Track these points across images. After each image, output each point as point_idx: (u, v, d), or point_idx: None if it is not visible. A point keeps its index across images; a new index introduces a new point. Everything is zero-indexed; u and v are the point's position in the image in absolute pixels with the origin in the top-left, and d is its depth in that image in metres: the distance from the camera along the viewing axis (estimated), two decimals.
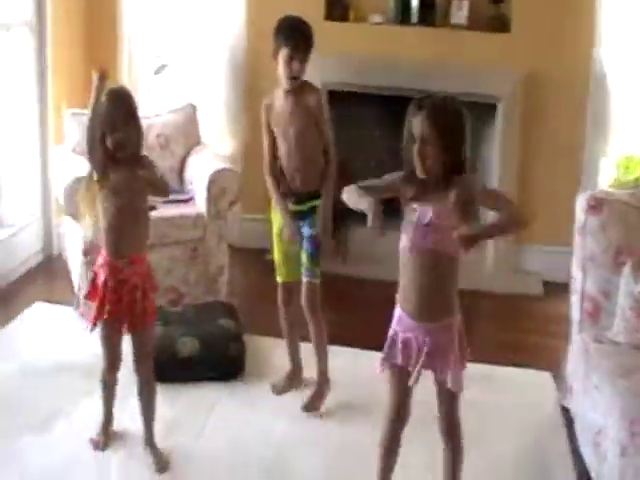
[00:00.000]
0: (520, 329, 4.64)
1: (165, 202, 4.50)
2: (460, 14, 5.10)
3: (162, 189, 3.22)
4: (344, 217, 5.01)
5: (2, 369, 3.87)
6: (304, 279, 3.66)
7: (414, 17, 5.15)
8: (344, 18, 5.24)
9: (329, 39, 5.02)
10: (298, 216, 3.64)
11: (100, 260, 3.18)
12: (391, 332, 2.82)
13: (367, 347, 3.96)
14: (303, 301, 3.67)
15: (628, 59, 4.91)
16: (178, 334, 3.97)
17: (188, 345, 3.93)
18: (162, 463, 3.30)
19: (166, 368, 3.77)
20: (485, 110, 5.20)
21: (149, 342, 3.29)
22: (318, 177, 3.60)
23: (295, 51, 3.46)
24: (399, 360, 2.78)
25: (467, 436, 2.94)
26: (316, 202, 3.60)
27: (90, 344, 3.48)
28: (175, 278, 4.59)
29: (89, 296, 3.20)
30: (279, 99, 3.59)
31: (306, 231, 3.63)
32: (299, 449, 3.44)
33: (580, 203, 3.68)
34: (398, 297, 2.79)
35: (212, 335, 4.00)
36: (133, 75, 5.36)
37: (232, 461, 3.36)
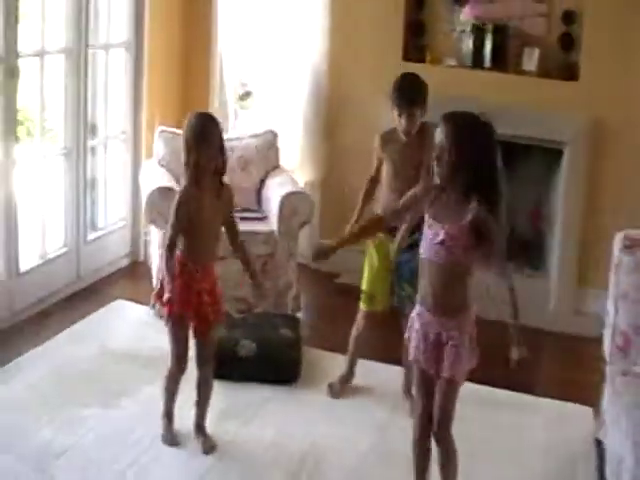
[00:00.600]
0: (574, 367, 4.89)
1: (242, 218, 5.02)
2: (531, 61, 5.46)
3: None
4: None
5: (83, 350, 4.49)
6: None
7: (487, 62, 5.52)
8: (421, 60, 5.67)
9: None
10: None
11: (176, 263, 3.58)
12: (410, 326, 3.20)
13: None
14: None
15: None
16: (239, 337, 4.44)
17: (246, 347, 4.39)
18: (209, 446, 3.75)
19: (225, 366, 4.26)
20: (552, 155, 5.53)
21: (211, 345, 3.75)
22: None
23: (401, 110, 3.96)
24: (424, 363, 3.16)
25: (505, 455, 3.29)
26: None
27: (157, 340, 3.97)
28: (245, 290, 4.96)
29: (159, 296, 3.62)
30: (399, 141, 4.05)
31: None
32: (335, 449, 3.84)
33: (616, 242, 4.00)
34: (418, 294, 3.17)
35: (270, 340, 4.45)
36: (223, 99, 5.91)
37: (271, 452, 3.79)
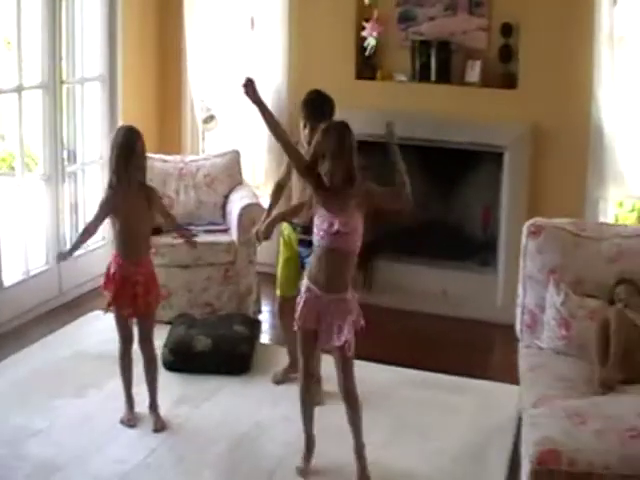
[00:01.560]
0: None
1: (206, 231, 5.73)
2: (473, 73, 6.08)
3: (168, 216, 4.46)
4: (369, 251, 6.12)
5: (59, 353, 5.21)
6: None
7: (433, 75, 6.16)
8: (372, 77, 6.32)
9: (359, 95, 6.25)
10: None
11: (113, 260, 4.34)
12: (300, 300, 3.83)
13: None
14: None
15: (622, 113, 5.75)
16: (197, 334, 5.10)
17: (202, 342, 5.04)
18: (160, 424, 4.40)
19: (183, 360, 4.99)
20: (493, 159, 6.13)
21: (150, 327, 4.42)
22: None
23: (306, 120, 4.55)
24: (308, 322, 3.80)
25: (431, 429, 4.16)
26: None
27: None
28: (210, 295, 5.71)
29: (105, 286, 4.35)
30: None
31: None
32: (274, 427, 4.47)
33: (524, 230, 4.58)
34: (309, 273, 3.82)
35: (224, 336, 5.10)
36: (195, 123, 6.64)
37: (217, 430, 4.43)
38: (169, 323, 5.35)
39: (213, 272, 5.70)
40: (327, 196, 3.74)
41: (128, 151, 4.16)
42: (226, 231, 5.89)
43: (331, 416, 4.14)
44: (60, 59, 5.87)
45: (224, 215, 6.07)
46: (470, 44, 6.15)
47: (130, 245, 4.28)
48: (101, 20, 6.21)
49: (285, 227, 4.77)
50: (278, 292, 4.89)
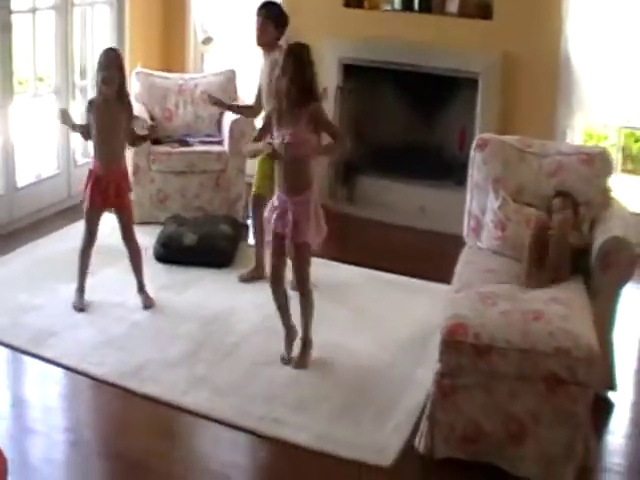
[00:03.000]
0: None
1: (201, 142, 6.41)
2: (452, 3, 6.65)
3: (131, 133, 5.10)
4: (353, 168, 6.79)
5: (67, 245, 5.91)
6: None
7: (416, 6, 6.75)
8: (360, 6, 6.92)
9: (347, 23, 6.88)
10: None
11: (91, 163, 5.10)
12: (269, 207, 4.49)
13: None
14: None
15: (590, 42, 6.29)
16: (185, 230, 5.82)
17: (189, 237, 5.76)
18: (149, 302, 5.16)
19: (172, 253, 5.73)
20: (469, 84, 6.71)
21: (128, 220, 5.12)
22: None
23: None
24: (276, 226, 4.46)
25: (382, 322, 4.92)
26: None
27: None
28: (203, 200, 6.40)
29: (85, 185, 5.09)
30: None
31: None
32: (245, 310, 5.19)
33: (473, 144, 5.17)
34: (276, 182, 4.48)
35: (209, 233, 5.80)
36: (197, 44, 7.35)
37: (194, 310, 5.18)
38: (163, 224, 6.05)
39: (205, 179, 6.38)
40: (281, 115, 4.38)
41: (100, 67, 4.89)
42: (220, 142, 6.56)
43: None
44: None
45: (219, 129, 6.73)
46: None
47: (102, 150, 4.99)
48: None
49: None
50: (253, 190, 5.50)
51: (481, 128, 6.58)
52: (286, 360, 4.64)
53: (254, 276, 5.55)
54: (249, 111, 5.73)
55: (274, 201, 4.52)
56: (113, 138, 4.99)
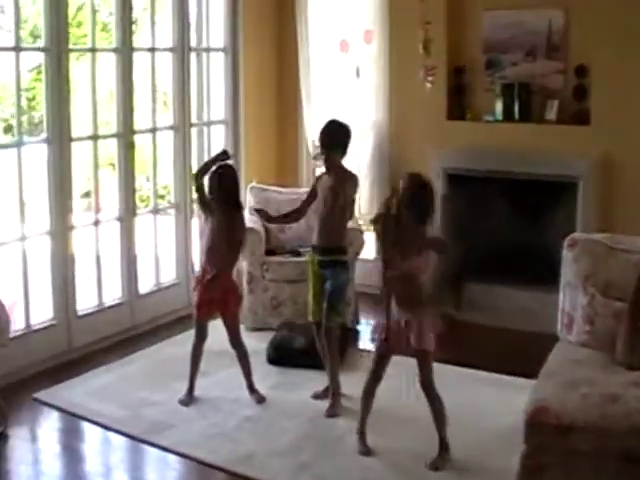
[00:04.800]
0: None
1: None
2: (551, 111, 7.29)
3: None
4: (459, 274, 7.35)
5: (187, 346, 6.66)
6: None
7: (516, 115, 7.42)
8: (462, 117, 7.64)
9: (450, 134, 7.60)
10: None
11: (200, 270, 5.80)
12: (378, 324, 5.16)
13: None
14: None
15: None
16: (295, 335, 6.50)
17: (299, 341, 6.41)
18: (259, 399, 5.82)
19: (282, 355, 6.44)
20: (570, 188, 7.27)
21: (234, 328, 5.76)
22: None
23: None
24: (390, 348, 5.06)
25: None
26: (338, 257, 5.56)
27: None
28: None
29: (194, 288, 5.83)
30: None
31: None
32: (348, 405, 5.74)
33: (565, 243, 5.64)
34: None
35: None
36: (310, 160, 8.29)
37: (301, 409, 5.73)
38: (276, 330, 6.74)
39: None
40: (399, 244, 4.85)
41: (215, 182, 5.55)
42: None
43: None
44: (189, 105, 7.53)
45: None
46: (548, 85, 7.39)
47: (210, 258, 5.63)
48: (225, 72, 7.91)
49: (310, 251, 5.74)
50: (310, 316, 5.78)
51: (583, 230, 6.97)
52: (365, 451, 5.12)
53: (326, 394, 5.81)
54: (293, 216, 5.92)
55: (386, 319, 5.06)
56: (218, 246, 5.56)
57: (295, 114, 8.36)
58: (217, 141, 7.87)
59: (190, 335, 6.35)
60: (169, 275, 7.53)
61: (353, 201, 5.63)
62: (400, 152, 7.88)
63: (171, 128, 7.40)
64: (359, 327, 7.24)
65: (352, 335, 6.87)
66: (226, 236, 5.54)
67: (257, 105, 8.16)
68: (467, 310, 7.55)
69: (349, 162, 7.80)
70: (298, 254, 7.21)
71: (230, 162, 5.80)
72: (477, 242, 7.63)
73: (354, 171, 5.83)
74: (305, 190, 7.45)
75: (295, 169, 8.43)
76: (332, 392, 5.68)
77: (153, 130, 7.22)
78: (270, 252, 7.18)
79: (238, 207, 5.64)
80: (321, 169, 8.09)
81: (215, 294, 5.61)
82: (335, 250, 5.55)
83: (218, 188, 5.53)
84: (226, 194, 5.52)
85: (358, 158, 8.08)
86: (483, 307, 7.50)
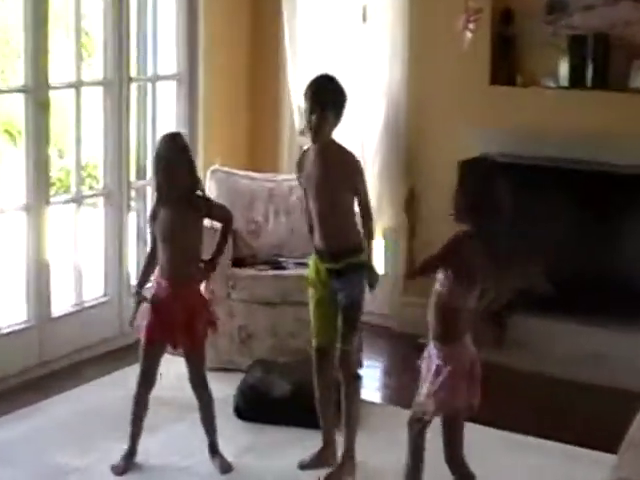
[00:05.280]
0: None
1: (297, 264, 6.98)
2: (638, 76, 7.12)
3: (221, 216, 5.60)
4: (504, 303, 7.20)
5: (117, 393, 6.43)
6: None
7: (588, 80, 7.28)
8: (511, 82, 7.48)
9: (494, 106, 7.45)
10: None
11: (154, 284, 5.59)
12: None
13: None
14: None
15: None
16: (275, 379, 6.29)
17: (281, 388, 6.23)
18: (226, 466, 5.62)
19: (256, 407, 6.23)
20: None
21: (199, 366, 5.56)
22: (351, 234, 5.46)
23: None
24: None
25: None
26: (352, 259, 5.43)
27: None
28: (300, 340, 6.72)
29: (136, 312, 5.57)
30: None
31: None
32: None
33: None
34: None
35: (306, 383, 6.01)
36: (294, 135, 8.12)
37: None
38: (246, 371, 6.55)
39: (304, 312, 6.64)
40: None
41: (160, 160, 5.36)
42: None
43: None
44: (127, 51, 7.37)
45: None
46: (635, 38, 7.22)
47: (170, 266, 5.45)
48: (178, 7, 7.78)
49: (311, 258, 5.66)
50: (313, 341, 5.72)
51: None
52: None
53: (320, 462, 5.72)
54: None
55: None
56: (184, 253, 5.47)
57: (275, 70, 8.21)
58: (166, 104, 7.74)
59: (126, 376, 6.38)
60: (95, 290, 7.41)
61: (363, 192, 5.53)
62: (422, 129, 7.79)
63: (101, 84, 7.29)
64: (361, 371, 7.01)
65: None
66: (186, 235, 5.47)
67: (223, 55, 8.02)
68: (511, 350, 7.46)
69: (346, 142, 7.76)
70: (278, 266, 7.10)
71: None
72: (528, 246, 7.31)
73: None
74: (287, 177, 7.47)
75: (274, 146, 8.31)
76: (344, 451, 5.57)
77: (76, 85, 7.11)
78: (238, 262, 7.05)
79: (191, 199, 5.48)
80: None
81: (173, 318, 5.47)
82: (348, 252, 5.46)
83: (157, 170, 5.43)
84: (171, 179, 5.38)
85: (362, 137, 7.97)
86: (534, 348, 7.42)
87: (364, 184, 5.50)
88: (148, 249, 5.70)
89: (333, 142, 5.47)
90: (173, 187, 5.39)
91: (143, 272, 5.67)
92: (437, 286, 4.79)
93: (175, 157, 5.38)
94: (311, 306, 5.68)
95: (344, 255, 5.44)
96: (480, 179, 4.84)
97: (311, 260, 5.64)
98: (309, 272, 5.66)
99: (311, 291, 5.66)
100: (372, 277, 5.45)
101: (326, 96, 5.37)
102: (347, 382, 5.58)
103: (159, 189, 5.49)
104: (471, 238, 4.70)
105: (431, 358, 4.86)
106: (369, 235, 5.47)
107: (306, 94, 5.40)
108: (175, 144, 5.44)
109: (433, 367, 4.83)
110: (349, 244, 5.47)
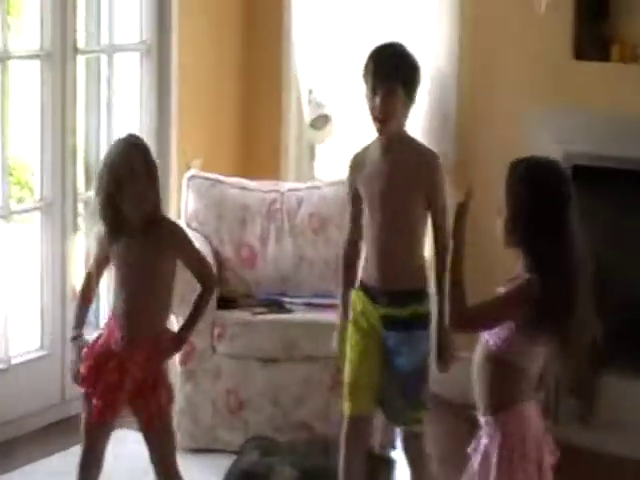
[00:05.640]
0: None
1: (306, 304, 6.57)
2: None
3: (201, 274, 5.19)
4: (592, 357, 6.82)
5: None
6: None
7: None
8: (604, 57, 7.07)
9: (579, 88, 7.12)
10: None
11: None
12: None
13: None
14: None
15: None
16: (276, 462, 5.91)
17: (285, 475, 5.84)
18: None
19: None
20: None
21: (164, 448, 5.18)
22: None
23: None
24: None
25: None
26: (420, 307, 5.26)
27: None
28: (309, 411, 6.49)
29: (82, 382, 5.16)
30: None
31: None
32: None
33: None
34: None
35: (318, 469, 5.85)
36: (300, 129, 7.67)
37: None
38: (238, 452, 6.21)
39: (315, 372, 6.46)
40: None
41: (112, 173, 4.95)
42: (334, 307, 6.61)
43: None
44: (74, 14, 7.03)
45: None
46: None
47: (126, 311, 5.10)
48: None
49: (356, 294, 5.43)
50: (346, 407, 5.44)
51: None
52: None
53: None
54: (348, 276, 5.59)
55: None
56: (145, 295, 5.11)
57: (277, 40, 7.81)
58: (125, 84, 7.40)
59: (69, 458, 5.90)
60: (30, 342, 7.09)
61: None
62: (478, 117, 7.45)
63: (37, 56, 6.98)
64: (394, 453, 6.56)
65: (384, 468, 6.27)
66: (149, 270, 5.10)
67: (204, 19, 7.67)
68: (602, 428, 7.07)
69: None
70: (281, 308, 6.76)
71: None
72: (622, 290, 7.13)
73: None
74: (293, 187, 7.15)
75: (274, 144, 7.93)
76: None
77: (1, 59, 6.76)
78: (227, 303, 6.77)
79: (156, 221, 5.12)
80: (322, 144, 7.66)
81: (124, 377, 5.09)
82: (415, 295, 5.28)
83: (112, 188, 4.98)
84: (137, 201, 4.98)
85: None
86: (632, 422, 6.99)
87: (443, 197, 5.23)
88: (84, 275, 5.39)
89: (406, 135, 5.36)
90: (137, 213, 5.01)
91: (79, 307, 5.33)
92: (485, 335, 4.44)
93: (141, 171, 5.00)
94: (350, 355, 5.38)
95: (409, 298, 5.25)
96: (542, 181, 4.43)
97: (355, 294, 5.39)
98: (354, 305, 5.39)
99: (353, 334, 5.38)
100: (443, 340, 5.28)
101: (396, 71, 5.19)
102: (418, 474, 5.43)
103: (113, 215, 5.04)
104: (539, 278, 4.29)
105: (479, 440, 4.51)
106: (442, 271, 4.98)
107: (366, 69, 5.20)
108: (139, 152, 5.06)
109: (481, 448, 4.47)
110: (418, 282, 5.31)
